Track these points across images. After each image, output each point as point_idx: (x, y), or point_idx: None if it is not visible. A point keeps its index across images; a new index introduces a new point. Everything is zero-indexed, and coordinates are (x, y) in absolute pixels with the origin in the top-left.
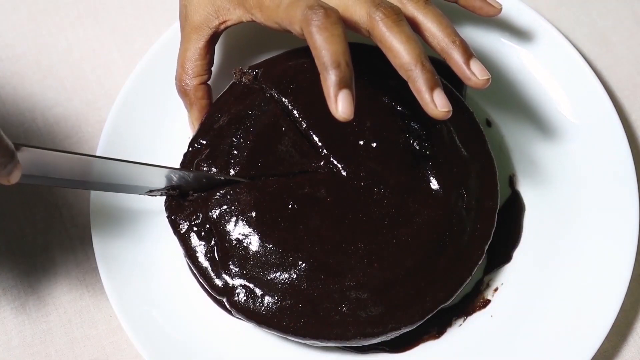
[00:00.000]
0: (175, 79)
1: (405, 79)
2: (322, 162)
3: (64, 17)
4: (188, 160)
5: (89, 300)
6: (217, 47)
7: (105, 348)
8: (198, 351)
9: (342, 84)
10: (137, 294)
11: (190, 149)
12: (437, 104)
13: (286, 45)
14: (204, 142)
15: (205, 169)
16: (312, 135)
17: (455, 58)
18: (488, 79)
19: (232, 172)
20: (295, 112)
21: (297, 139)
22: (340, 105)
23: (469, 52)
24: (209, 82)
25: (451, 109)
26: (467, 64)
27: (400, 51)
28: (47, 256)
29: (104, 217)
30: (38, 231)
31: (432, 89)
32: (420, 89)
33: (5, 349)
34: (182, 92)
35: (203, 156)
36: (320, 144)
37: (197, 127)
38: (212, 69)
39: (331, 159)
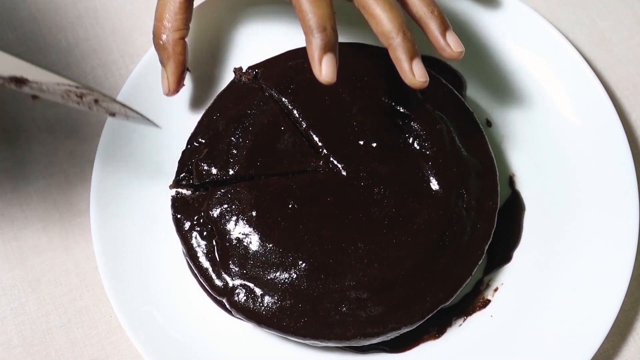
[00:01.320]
0: (153, 34)
1: (386, 46)
2: (321, 162)
3: (64, 17)
4: (186, 158)
5: (89, 300)
6: (216, 47)
7: (105, 348)
8: (198, 351)
9: (326, 48)
10: (137, 294)
11: (189, 146)
12: (415, 74)
13: (286, 46)
14: (203, 141)
15: (205, 168)
16: (312, 135)
17: (432, 28)
18: (462, 52)
19: (231, 171)
20: (295, 112)
21: (296, 138)
22: (324, 69)
23: (445, 24)
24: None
25: (428, 79)
26: (443, 35)
27: (382, 19)
28: (47, 256)
29: (104, 216)
30: (38, 231)
31: (411, 59)
32: (400, 58)
33: (5, 349)
34: (160, 46)
35: (202, 155)
36: (320, 143)
37: (172, 81)
38: (211, 68)
39: (331, 159)
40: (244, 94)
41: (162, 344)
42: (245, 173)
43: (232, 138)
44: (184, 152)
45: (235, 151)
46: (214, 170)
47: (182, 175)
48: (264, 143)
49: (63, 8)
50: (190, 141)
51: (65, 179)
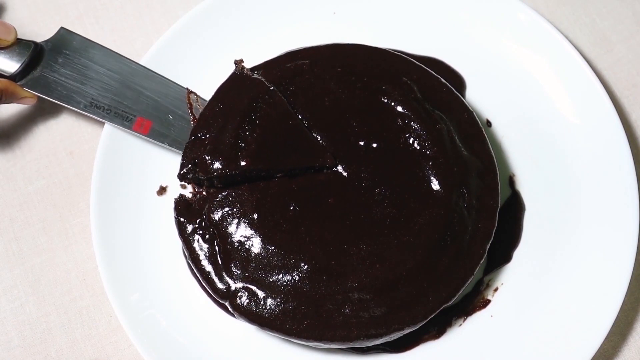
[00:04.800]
0: None
1: None
2: (327, 159)
3: (64, 17)
4: (191, 151)
5: (89, 300)
6: (214, 50)
7: (105, 348)
8: (201, 354)
9: None
10: (138, 294)
11: (193, 137)
12: None
13: (284, 47)
14: (207, 134)
15: (211, 162)
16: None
17: None
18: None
19: (240, 164)
20: (295, 113)
21: (305, 133)
22: None
23: None
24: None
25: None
26: None
27: None
28: (47, 256)
29: (105, 217)
30: (38, 231)
31: None
32: None
33: (5, 349)
34: None
35: (207, 148)
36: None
37: None
38: (210, 59)
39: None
40: (248, 87)
41: (162, 344)
42: (255, 167)
43: (240, 131)
44: (187, 145)
45: (243, 144)
46: (219, 164)
47: (187, 168)
48: (272, 137)
49: (63, 8)
50: (193, 133)
51: (65, 179)
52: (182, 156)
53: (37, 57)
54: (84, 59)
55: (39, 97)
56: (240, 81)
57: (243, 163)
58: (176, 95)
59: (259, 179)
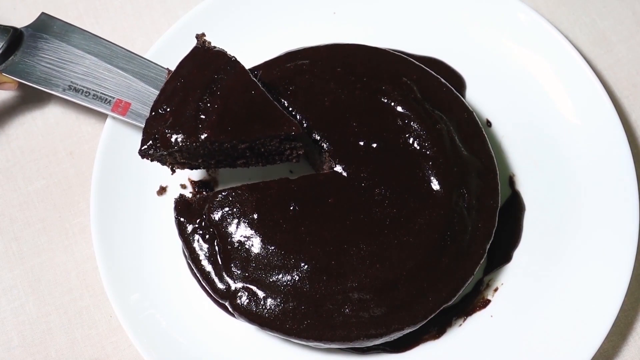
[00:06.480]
0: None
1: None
2: (294, 127)
3: (64, 17)
4: (151, 127)
5: (89, 300)
6: (215, 41)
7: (105, 348)
8: (199, 352)
9: None
10: (138, 294)
11: (153, 113)
12: None
13: (284, 47)
14: (168, 109)
15: (172, 136)
16: (312, 136)
17: None
18: None
19: (200, 137)
20: (294, 114)
21: (268, 103)
22: None
23: None
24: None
25: None
26: None
27: None
28: (47, 256)
29: (105, 217)
30: (38, 231)
31: None
32: None
33: (5, 349)
34: None
35: (168, 123)
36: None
37: None
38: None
39: (331, 159)
40: (209, 59)
41: (162, 344)
42: (216, 138)
43: (200, 103)
44: (147, 121)
45: (203, 116)
46: (180, 138)
47: (148, 144)
48: (234, 107)
49: (63, 8)
50: (154, 109)
51: (65, 179)
52: (143, 132)
53: (15, 42)
54: (64, 43)
55: (19, 82)
56: (201, 55)
57: (204, 135)
58: (156, 75)
59: (226, 155)
